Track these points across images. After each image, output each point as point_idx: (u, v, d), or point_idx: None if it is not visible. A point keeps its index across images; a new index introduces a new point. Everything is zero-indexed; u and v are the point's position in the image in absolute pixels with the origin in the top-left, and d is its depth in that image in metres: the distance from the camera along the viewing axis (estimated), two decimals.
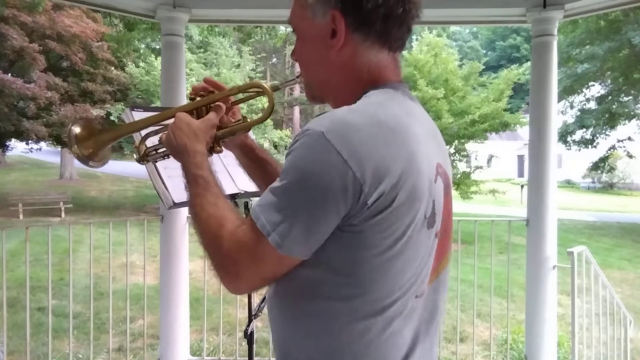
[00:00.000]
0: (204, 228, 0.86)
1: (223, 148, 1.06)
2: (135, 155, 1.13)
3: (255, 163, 1.17)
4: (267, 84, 1.01)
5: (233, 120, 1.08)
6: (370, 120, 0.78)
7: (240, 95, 1.09)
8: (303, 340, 0.84)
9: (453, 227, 1.01)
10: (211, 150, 0.99)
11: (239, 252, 0.80)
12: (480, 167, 13.19)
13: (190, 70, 14.56)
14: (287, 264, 0.80)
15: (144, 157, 1.11)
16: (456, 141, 12.36)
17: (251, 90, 1.04)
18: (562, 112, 17.41)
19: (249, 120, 1.07)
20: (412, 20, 0.88)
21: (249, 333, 1.79)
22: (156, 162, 1.14)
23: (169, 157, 1.08)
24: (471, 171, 12.75)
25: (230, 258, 0.81)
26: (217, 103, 1.02)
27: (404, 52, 13.32)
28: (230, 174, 1.71)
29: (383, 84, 0.87)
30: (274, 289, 0.87)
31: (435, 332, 0.93)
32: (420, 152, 0.80)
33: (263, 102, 11.51)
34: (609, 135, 16.76)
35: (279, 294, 0.86)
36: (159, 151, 1.10)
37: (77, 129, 1.00)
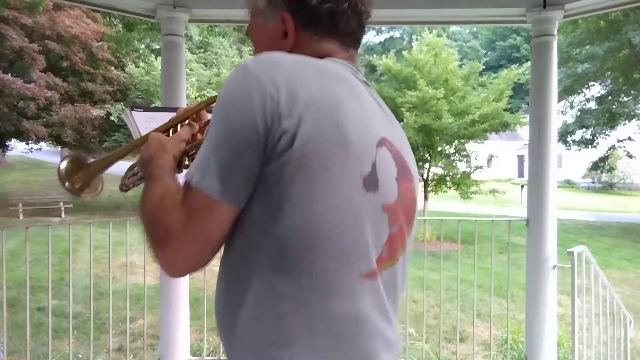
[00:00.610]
0: (147, 208, 0.82)
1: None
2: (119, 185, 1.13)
3: None
4: None
5: None
6: (298, 60, 0.80)
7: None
8: (238, 311, 0.80)
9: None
10: (180, 165, 0.98)
11: (172, 213, 0.77)
12: (480, 167, 13.20)
13: (190, 70, 14.57)
14: (218, 216, 0.75)
15: (126, 184, 1.12)
16: (456, 141, 12.38)
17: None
18: (562, 112, 17.43)
19: None
20: (361, 16, 0.90)
21: None
22: (135, 185, 1.14)
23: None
24: (471, 171, 12.75)
25: (163, 222, 0.78)
26: (188, 121, 1.03)
27: (404, 52, 13.38)
28: None
29: (328, 57, 0.88)
30: (221, 261, 0.85)
31: (393, 322, 0.88)
32: (352, 105, 0.79)
33: None
34: (609, 135, 16.79)
35: (221, 264, 0.85)
36: (136, 174, 1.10)
37: (64, 165, 1.03)
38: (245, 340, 0.80)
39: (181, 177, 0.93)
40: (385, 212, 0.82)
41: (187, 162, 0.99)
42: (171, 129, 1.02)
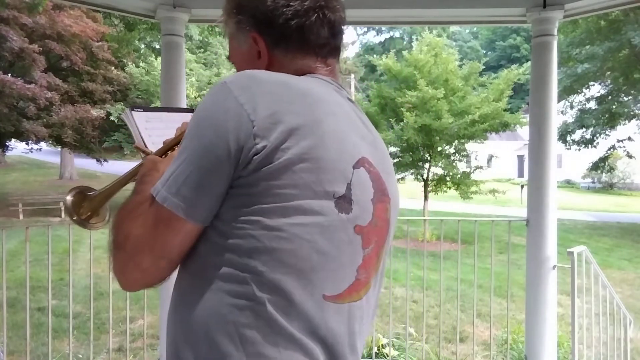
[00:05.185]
0: (117, 217, 0.83)
1: None
2: None
3: None
4: None
5: None
6: (277, 79, 0.78)
7: None
8: (180, 321, 0.81)
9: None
10: None
11: (135, 221, 0.78)
12: (480, 167, 13.18)
13: (190, 70, 14.58)
14: (181, 231, 0.75)
15: None
16: (456, 141, 12.36)
17: None
18: (562, 112, 17.42)
19: None
20: (332, 25, 0.88)
21: None
22: None
23: None
24: (471, 171, 12.73)
25: (125, 228, 0.79)
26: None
27: (404, 52, 13.37)
28: None
29: (309, 74, 0.88)
30: (179, 271, 0.84)
31: (359, 346, 0.85)
32: (332, 125, 0.78)
33: None
34: (609, 135, 16.78)
35: (179, 274, 0.84)
36: None
37: (70, 199, 1.04)
38: (201, 350, 0.77)
39: None
40: (358, 234, 0.81)
41: None
42: (169, 151, 1.01)
